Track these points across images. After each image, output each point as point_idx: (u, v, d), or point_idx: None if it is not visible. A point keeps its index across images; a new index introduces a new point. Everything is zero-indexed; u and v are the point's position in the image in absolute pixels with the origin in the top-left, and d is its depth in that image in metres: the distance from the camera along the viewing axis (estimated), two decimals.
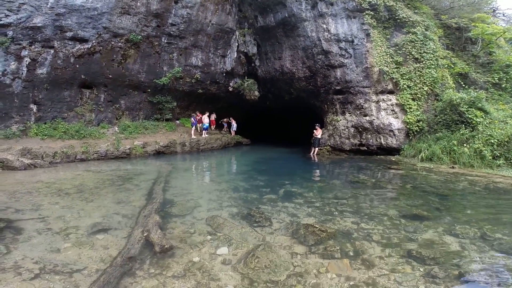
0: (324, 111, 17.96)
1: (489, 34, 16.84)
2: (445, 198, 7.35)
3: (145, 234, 4.57)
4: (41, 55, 13.01)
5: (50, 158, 11.40)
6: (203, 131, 18.24)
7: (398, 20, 15.18)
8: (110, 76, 15.11)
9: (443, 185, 8.80)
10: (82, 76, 14.30)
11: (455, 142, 12.18)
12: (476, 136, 11.93)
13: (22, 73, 12.76)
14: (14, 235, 4.63)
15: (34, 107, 13.33)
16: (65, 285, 3.38)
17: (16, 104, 12.83)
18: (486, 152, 11.16)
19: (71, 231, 4.87)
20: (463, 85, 15.55)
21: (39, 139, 12.58)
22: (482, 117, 12.58)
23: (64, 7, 13.09)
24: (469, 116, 12.70)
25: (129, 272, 3.67)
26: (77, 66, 13.97)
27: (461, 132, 12.49)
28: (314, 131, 16.51)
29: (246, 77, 20.33)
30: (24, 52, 12.66)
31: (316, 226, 5.00)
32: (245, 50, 19.45)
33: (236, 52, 19.32)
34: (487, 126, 12.23)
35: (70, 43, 13.61)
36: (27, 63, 12.78)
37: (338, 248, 4.37)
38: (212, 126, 20.08)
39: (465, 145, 11.90)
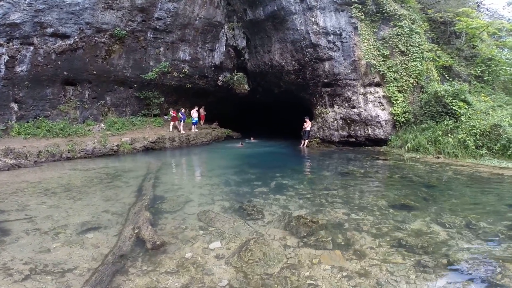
0: (313, 103, 18.06)
1: (473, 28, 17.20)
2: (431, 187, 7.54)
3: (136, 231, 4.53)
4: (20, 52, 12.50)
5: (34, 157, 11.05)
6: (193, 126, 18.09)
7: (385, 14, 15.34)
8: (94, 72, 14.69)
9: (429, 174, 9.05)
10: (65, 73, 13.84)
11: (439, 133, 12.52)
12: (460, 127, 12.28)
13: (0, 71, 12.26)
14: (1, 237, 4.50)
15: (15, 106, 12.87)
16: (57, 285, 3.32)
17: None
18: (469, 142, 11.52)
19: (60, 230, 4.78)
20: (447, 78, 15.95)
21: (22, 138, 12.18)
22: (465, 108, 12.95)
23: (44, 3, 12.59)
24: (453, 107, 13.06)
25: (122, 270, 3.64)
26: (59, 62, 13.50)
27: (446, 123, 12.85)
28: (304, 123, 16.64)
29: (235, 71, 20.13)
30: (1, 50, 12.15)
31: (308, 217, 5.07)
32: (234, 44, 19.24)
33: (225, 46, 19.09)
34: (470, 117, 12.60)
35: (50, 40, 13.11)
36: (5, 60, 12.26)
37: (330, 239, 4.43)
38: (201, 121, 19.91)
39: (449, 135, 12.24)
